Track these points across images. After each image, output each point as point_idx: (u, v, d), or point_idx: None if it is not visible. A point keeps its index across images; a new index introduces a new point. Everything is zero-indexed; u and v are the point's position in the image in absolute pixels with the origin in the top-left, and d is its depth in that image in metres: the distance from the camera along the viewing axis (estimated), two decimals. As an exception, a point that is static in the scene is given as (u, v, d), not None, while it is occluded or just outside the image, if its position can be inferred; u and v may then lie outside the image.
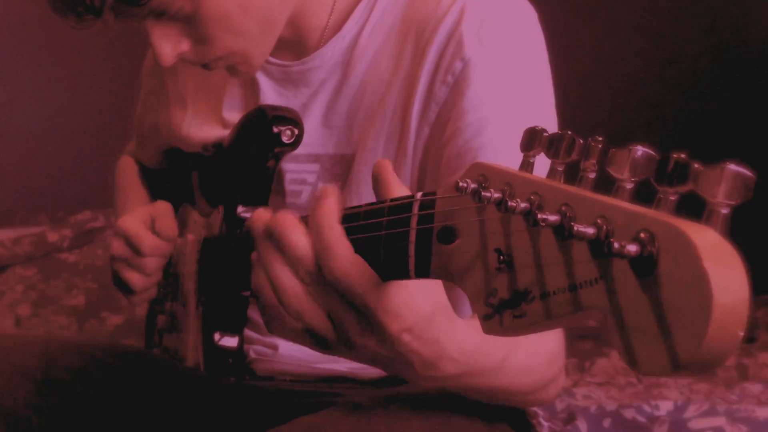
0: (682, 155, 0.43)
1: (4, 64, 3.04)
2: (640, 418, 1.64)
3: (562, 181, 0.50)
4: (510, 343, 0.74)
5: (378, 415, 0.83)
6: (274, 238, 0.65)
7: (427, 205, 0.60)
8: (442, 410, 0.85)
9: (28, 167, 3.06)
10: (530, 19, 0.94)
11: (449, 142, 0.89)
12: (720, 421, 1.61)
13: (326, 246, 0.62)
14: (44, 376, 1.05)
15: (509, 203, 0.48)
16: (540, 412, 1.01)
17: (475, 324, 0.71)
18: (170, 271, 1.12)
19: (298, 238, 0.64)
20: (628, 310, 0.42)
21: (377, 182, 0.66)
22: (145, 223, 1.05)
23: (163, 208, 1.07)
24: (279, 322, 0.68)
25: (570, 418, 1.67)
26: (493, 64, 0.90)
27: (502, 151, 0.87)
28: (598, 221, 0.43)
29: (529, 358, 0.79)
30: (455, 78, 0.90)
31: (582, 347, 2.12)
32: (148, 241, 1.03)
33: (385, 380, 1.01)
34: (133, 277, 1.05)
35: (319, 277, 0.63)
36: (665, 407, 1.66)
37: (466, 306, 0.92)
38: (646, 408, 1.67)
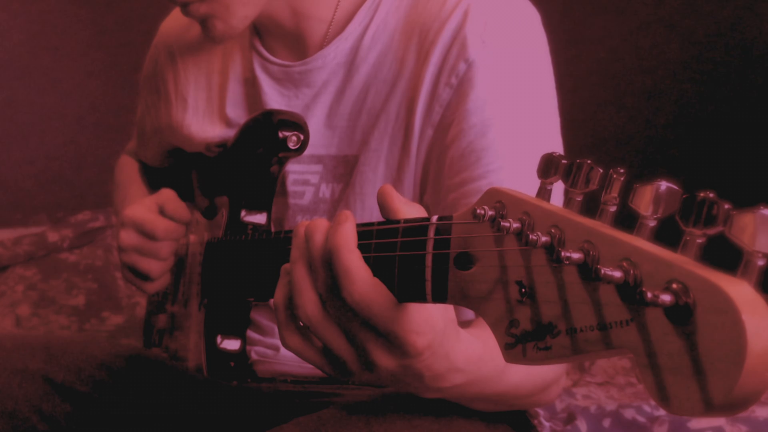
0: (710, 194, 0.42)
1: (5, 64, 3.04)
2: (640, 418, 1.64)
3: (578, 211, 0.49)
4: None
5: (378, 415, 0.83)
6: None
7: (443, 229, 0.60)
8: (442, 410, 0.85)
9: (28, 167, 3.06)
10: (533, 21, 0.94)
11: (453, 143, 0.89)
12: (720, 421, 1.61)
13: (346, 270, 0.62)
14: (45, 376, 1.05)
15: (530, 237, 0.48)
16: (541, 412, 1.01)
17: (477, 332, 0.71)
18: (172, 271, 1.12)
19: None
20: (661, 351, 0.43)
21: (383, 208, 0.66)
22: (153, 211, 1.04)
23: (168, 193, 1.06)
24: (297, 339, 0.68)
25: (570, 418, 1.67)
26: (496, 66, 0.90)
27: (505, 154, 0.87)
28: (624, 264, 0.44)
29: None
30: (459, 79, 0.90)
31: (582, 347, 2.12)
32: (161, 224, 1.02)
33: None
34: (150, 264, 1.04)
35: (339, 297, 0.63)
36: (665, 407, 1.66)
37: (467, 310, 0.92)
38: (646, 408, 1.67)
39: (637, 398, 1.82)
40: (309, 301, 0.65)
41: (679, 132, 2.83)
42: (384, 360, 0.65)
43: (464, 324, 0.73)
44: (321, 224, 0.66)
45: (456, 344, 0.67)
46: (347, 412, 0.83)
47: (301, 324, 0.67)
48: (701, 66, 2.85)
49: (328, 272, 0.64)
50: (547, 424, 1.02)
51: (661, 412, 1.65)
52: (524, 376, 0.80)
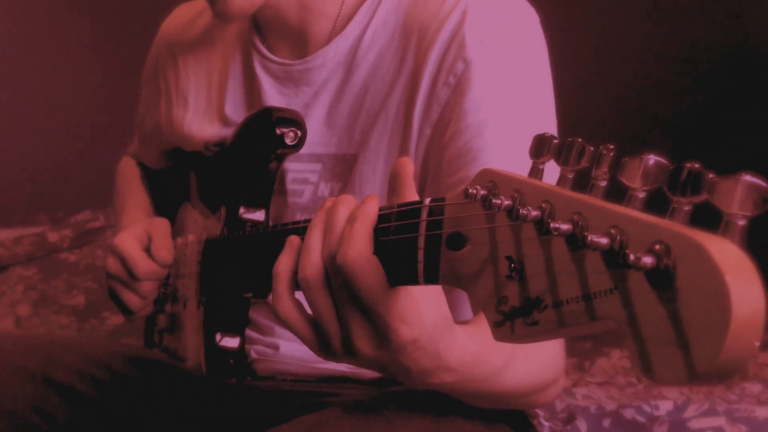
0: (696, 165, 0.43)
1: (5, 64, 3.04)
2: (640, 418, 1.64)
3: (570, 188, 0.50)
4: (509, 350, 0.75)
5: (378, 415, 0.83)
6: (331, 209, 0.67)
7: (436, 211, 0.61)
8: (442, 410, 0.85)
9: (28, 167, 3.06)
10: (532, 22, 0.94)
11: (450, 143, 0.89)
12: (720, 420, 1.61)
13: (351, 235, 0.63)
14: (45, 376, 1.05)
15: (521, 211, 0.49)
16: (540, 413, 1.01)
17: (475, 332, 0.71)
18: (170, 272, 1.12)
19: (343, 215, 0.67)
20: (643, 320, 0.42)
21: (396, 178, 0.67)
22: (142, 243, 1.06)
23: (161, 227, 1.08)
24: (290, 308, 0.68)
25: (570, 418, 1.67)
26: (494, 66, 0.90)
27: (501, 153, 0.87)
28: (612, 231, 0.44)
29: (528, 364, 0.79)
30: (457, 79, 0.90)
31: (582, 347, 2.12)
32: (142, 265, 1.04)
33: (385, 380, 1.01)
34: (130, 298, 1.07)
35: (336, 263, 0.64)
36: (665, 407, 1.66)
37: (466, 308, 0.93)
38: (646, 408, 1.67)
39: (637, 398, 1.82)
40: (312, 264, 0.66)
41: (680, 133, 2.83)
42: (364, 345, 0.65)
43: (461, 323, 0.73)
44: (349, 199, 0.68)
45: (449, 343, 0.67)
46: (347, 411, 0.83)
47: (300, 287, 0.68)
48: (704, 64, 2.86)
49: (338, 239, 0.65)
50: (546, 424, 1.02)
51: (662, 411, 1.65)
52: (522, 377, 0.80)
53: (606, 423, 1.65)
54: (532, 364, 0.80)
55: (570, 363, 2.02)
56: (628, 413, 1.66)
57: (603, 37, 2.89)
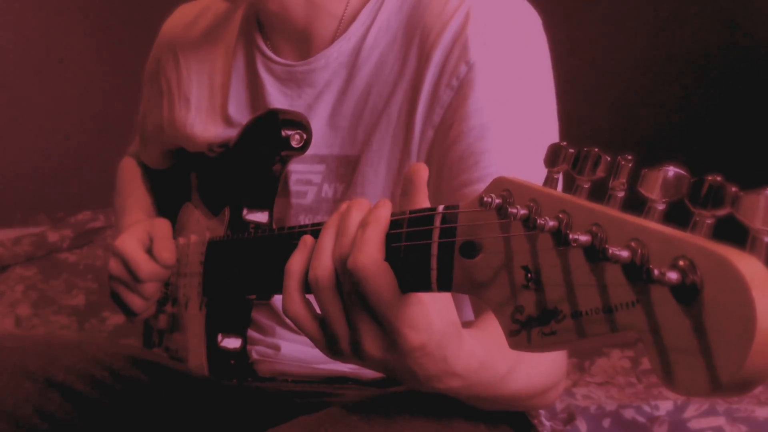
0: (718, 178, 0.43)
1: (5, 64, 3.04)
2: (640, 418, 1.64)
3: (586, 198, 0.50)
4: (515, 355, 0.75)
5: (379, 415, 0.83)
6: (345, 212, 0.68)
7: (450, 218, 0.61)
8: (443, 411, 0.85)
9: (28, 167, 3.06)
10: (534, 25, 0.94)
11: (453, 145, 0.89)
12: (719, 420, 1.61)
13: (363, 240, 0.64)
14: (45, 376, 1.05)
15: (538, 221, 0.48)
16: (541, 413, 1.02)
17: (482, 337, 0.71)
18: (172, 272, 1.12)
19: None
20: (667, 331, 0.43)
21: (410, 183, 0.67)
22: (144, 245, 1.06)
23: (162, 229, 1.08)
24: (299, 306, 0.69)
25: (570, 418, 1.67)
26: (497, 69, 0.90)
27: (503, 156, 0.87)
28: (632, 244, 0.43)
29: (532, 368, 0.80)
30: (460, 81, 0.90)
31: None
32: (145, 267, 1.05)
33: (387, 381, 1.01)
34: (133, 299, 1.07)
35: (346, 267, 0.64)
36: (665, 407, 1.66)
37: (468, 309, 0.93)
38: (646, 408, 1.67)
39: (637, 398, 1.82)
40: (323, 265, 0.67)
41: (680, 132, 2.83)
42: (372, 348, 0.65)
43: (465, 324, 0.73)
44: (363, 203, 0.68)
45: (458, 350, 0.68)
46: (348, 411, 0.83)
47: (310, 287, 0.68)
48: (705, 64, 2.86)
49: (350, 243, 0.65)
50: (547, 423, 1.02)
51: (661, 412, 1.65)
52: (525, 381, 0.80)
53: (606, 423, 1.65)
54: (536, 368, 0.80)
55: (570, 363, 2.01)
56: (628, 413, 1.66)
57: (605, 40, 2.89)
